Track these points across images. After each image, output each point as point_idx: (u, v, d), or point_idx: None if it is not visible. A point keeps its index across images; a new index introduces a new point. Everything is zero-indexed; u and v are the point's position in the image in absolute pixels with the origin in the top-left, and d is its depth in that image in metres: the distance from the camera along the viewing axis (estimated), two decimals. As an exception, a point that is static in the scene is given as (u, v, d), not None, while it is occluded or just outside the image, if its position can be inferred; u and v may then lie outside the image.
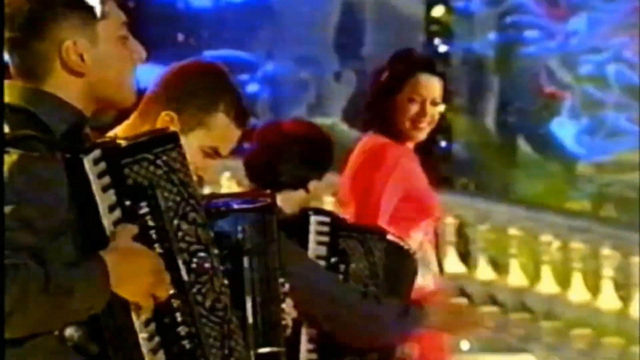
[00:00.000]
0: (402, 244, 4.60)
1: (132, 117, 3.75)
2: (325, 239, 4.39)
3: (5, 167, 3.03)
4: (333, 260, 4.39)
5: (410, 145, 5.12)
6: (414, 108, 5.03)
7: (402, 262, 4.68)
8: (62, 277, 3.04)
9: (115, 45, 3.26)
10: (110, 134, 3.47)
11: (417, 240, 5.07)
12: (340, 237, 4.41)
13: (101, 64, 3.24)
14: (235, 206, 3.41)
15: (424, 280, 5.05)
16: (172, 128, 3.47)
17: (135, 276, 3.11)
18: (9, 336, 3.05)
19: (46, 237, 3.05)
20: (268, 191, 3.57)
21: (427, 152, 5.25)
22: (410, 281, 4.73)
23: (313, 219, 4.39)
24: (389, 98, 5.09)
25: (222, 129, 3.74)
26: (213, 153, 3.65)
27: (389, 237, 4.56)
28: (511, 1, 17.87)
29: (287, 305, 3.64)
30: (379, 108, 5.12)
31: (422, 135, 5.09)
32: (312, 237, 4.36)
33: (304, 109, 17.68)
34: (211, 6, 17.79)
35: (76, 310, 3.09)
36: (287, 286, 3.61)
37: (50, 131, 3.13)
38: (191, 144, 3.58)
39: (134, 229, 3.10)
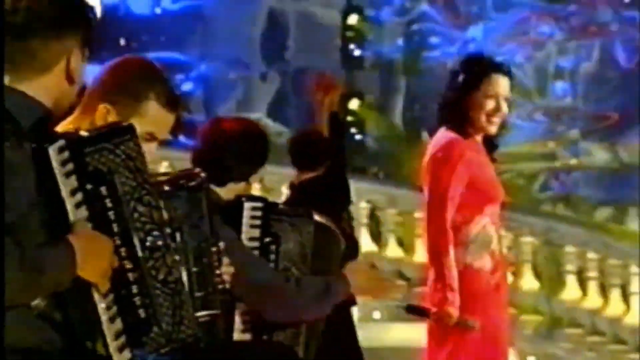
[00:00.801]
0: (328, 224, 4.61)
1: (76, 112, 3.67)
2: (258, 222, 4.39)
3: None
4: (266, 241, 4.40)
5: (478, 138, 5.15)
6: (491, 104, 5.10)
7: (328, 241, 4.69)
8: (36, 257, 3.00)
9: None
10: (57, 128, 3.37)
11: (480, 224, 5.14)
12: (272, 220, 4.42)
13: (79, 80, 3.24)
14: (167, 188, 3.36)
15: (482, 259, 5.13)
16: (110, 119, 3.51)
17: (95, 260, 3.08)
18: None
19: (14, 213, 3.00)
20: (197, 170, 3.57)
21: (493, 146, 5.26)
22: (335, 257, 4.74)
23: (247, 204, 4.38)
24: (467, 95, 5.12)
25: (155, 114, 3.65)
26: (151, 138, 3.51)
27: (316, 219, 4.56)
28: (417, 11, 17.98)
29: (225, 271, 3.61)
30: (456, 105, 5.14)
31: (494, 129, 5.15)
32: (245, 221, 4.37)
33: (233, 106, 17.71)
34: (150, 13, 17.73)
35: (47, 287, 3.06)
36: (223, 259, 3.59)
37: (19, 123, 3.08)
38: None
39: (88, 225, 3.09)
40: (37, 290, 3.06)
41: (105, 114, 3.57)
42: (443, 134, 5.18)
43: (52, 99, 3.21)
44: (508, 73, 5.28)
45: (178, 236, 3.32)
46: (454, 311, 5.05)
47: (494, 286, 5.15)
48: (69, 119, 3.64)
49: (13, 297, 3.04)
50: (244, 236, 4.32)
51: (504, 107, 5.14)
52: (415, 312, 5.38)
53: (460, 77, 5.20)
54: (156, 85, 3.70)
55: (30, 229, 3.04)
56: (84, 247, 3.06)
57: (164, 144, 3.89)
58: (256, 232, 4.38)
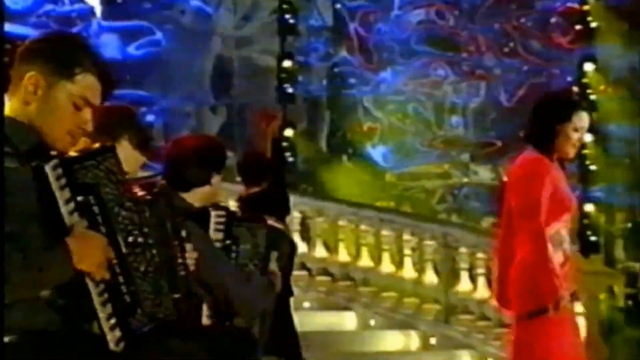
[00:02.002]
0: (280, 228, 4.66)
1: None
2: (222, 227, 4.41)
3: None
4: (227, 242, 4.43)
5: (555, 157, 5.20)
6: (577, 135, 5.15)
7: (279, 243, 4.74)
8: (37, 259, 3.01)
9: (67, 103, 3.16)
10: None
11: (555, 228, 5.14)
12: (233, 226, 4.46)
13: (47, 106, 3.13)
14: (140, 194, 3.32)
15: (557, 255, 5.10)
16: (109, 143, 3.38)
17: (90, 255, 3.07)
18: None
19: (18, 224, 2.99)
20: (160, 181, 3.56)
21: (563, 166, 5.29)
22: (286, 257, 4.79)
23: (213, 213, 4.40)
24: (558, 126, 5.14)
25: (127, 154, 3.65)
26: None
27: (270, 224, 4.61)
28: (338, 57, 17.98)
29: (188, 256, 3.53)
30: (547, 132, 5.16)
31: (573, 154, 5.23)
32: (212, 226, 4.40)
33: (188, 133, 17.51)
34: (119, 57, 17.56)
35: (48, 282, 3.07)
36: (188, 247, 3.52)
37: (17, 148, 3.06)
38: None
39: (84, 222, 3.07)
40: (40, 287, 3.07)
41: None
42: (530, 153, 5.21)
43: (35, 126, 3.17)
44: (587, 110, 5.34)
45: (151, 235, 3.30)
46: (565, 292, 5.06)
47: (564, 275, 5.14)
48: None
49: (21, 293, 3.01)
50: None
51: (584, 138, 5.33)
52: (537, 314, 5.11)
53: (552, 110, 5.22)
54: (130, 129, 3.71)
55: (31, 235, 3.03)
56: (79, 245, 3.05)
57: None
58: (220, 235, 4.42)
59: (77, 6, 17.73)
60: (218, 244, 4.42)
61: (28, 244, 3.00)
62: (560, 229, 5.20)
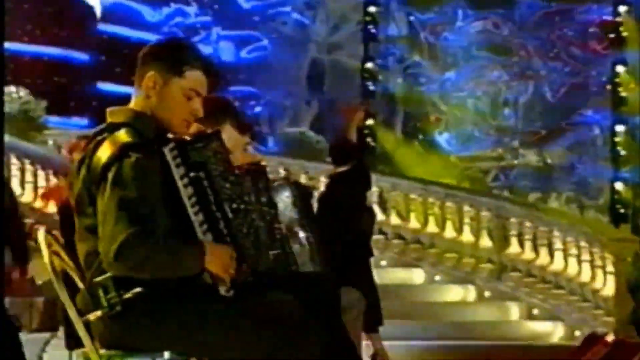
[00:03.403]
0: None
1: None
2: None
3: (129, 165, 2.94)
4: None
5: None
6: None
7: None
8: (179, 252, 2.97)
9: (180, 96, 3.12)
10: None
11: None
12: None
13: (164, 99, 3.11)
14: (238, 172, 3.22)
15: None
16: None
17: (219, 260, 3.03)
18: (136, 274, 2.97)
19: (155, 204, 2.96)
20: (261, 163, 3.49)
21: None
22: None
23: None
24: None
25: (230, 137, 3.59)
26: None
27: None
28: (411, 60, 17.88)
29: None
30: None
31: None
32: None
33: (287, 122, 17.60)
34: (233, 60, 17.67)
35: (180, 272, 3.02)
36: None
37: (145, 136, 3.04)
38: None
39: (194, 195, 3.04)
40: (173, 272, 3.00)
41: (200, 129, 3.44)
42: None
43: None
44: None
45: (251, 203, 3.24)
46: None
47: None
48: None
49: (158, 272, 2.98)
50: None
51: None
52: None
53: None
54: (232, 115, 3.69)
55: (158, 216, 2.96)
56: (213, 250, 3.00)
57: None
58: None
59: (200, 19, 17.83)
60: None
61: (157, 226, 2.94)
62: None
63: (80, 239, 3.04)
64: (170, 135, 3.12)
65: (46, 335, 4.97)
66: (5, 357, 4.75)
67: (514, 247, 11.48)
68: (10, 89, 12.51)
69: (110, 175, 2.93)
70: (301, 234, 3.73)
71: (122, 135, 3.00)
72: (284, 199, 3.79)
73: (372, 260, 7.38)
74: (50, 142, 12.44)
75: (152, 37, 14.46)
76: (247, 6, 17.91)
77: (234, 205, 3.12)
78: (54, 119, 14.09)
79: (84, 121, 15.03)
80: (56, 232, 3.49)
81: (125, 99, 3.23)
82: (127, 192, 2.90)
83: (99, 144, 3.01)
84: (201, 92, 3.19)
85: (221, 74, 16.74)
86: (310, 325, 3.07)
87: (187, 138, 3.10)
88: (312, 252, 3.63)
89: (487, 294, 11.17)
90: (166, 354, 3.03)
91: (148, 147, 2.99)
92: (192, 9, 17.73)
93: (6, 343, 4.77)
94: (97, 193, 2.96)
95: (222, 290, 3.05)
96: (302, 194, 3.84)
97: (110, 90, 15.06)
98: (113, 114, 3.13)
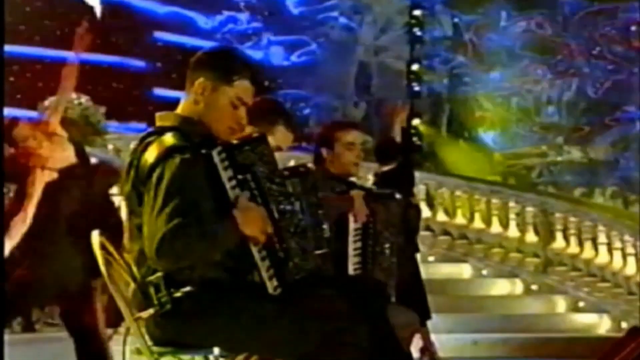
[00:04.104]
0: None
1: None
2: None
3: (173, 166, 2.96)
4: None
5: None
6: None
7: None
8: (212, 231, 2.98)
9: (227, 104, 3.12)
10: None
11: None
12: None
13: (212, 106, 3.11)
14: (286, 173, 3.28)
15: None
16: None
17: (252, 222, 3.01)
18: (181, 265, 2.99)
19: (197, 203, 2.97)
20: (307, 165, 3.49)
21: None
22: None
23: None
24: None
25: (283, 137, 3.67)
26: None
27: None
28: (456, 61, 17.78)
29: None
30: None
31: None
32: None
33: (336, 123, 17.58)
34: (284, 64, 17.70)
35: (220, 248, 3.04)
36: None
37: (191, 139, 3.04)
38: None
39: (247, 194, 3.03)
40: (214, 252, 3.03)
41: (252, 131, 3.45)
42: None
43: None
44: None
45: (297, 204, 3.24)
46: None
47: None
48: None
49: (198, 256, 3.00)
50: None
51: None
52: None
53: None
54: (284, 116, 3.70)
55: (204, 210, 2.98)
56: (244, 215, 3.00)
57: (291, 149, 3.81)
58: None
59: (251, 25, 17.89)
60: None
61: (202, 218, 2.96)
62: None
63: (131, 238, 3.07)
64: (219, 141, 3.13)
65: (109, 331, 5.01)
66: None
67: (559, 242, 11.36)
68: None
69: (155, 175, 2.97)
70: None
71: (168, 138, 3.02)
72: None
73: (419, 255, 7.33)
74: (110, 147, 12.57)
75: (205, 44, 14.53)
76: (297, 12, 17.93)
77: (281, 206, 3.11)
78: (113, 124, 14.21)
79: (142, 125, 15.15)
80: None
81: (179, 104, 3.24)
82: (169, 192, 2.92)
83: (146, 146, 3.03)
84: (247, 102, 3.19)
85: (271, 78, 16.85)
86: (356, 321, 3.04)
87: (234, 142, 3.10)
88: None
89: (534, 287, 11.07)
90: (215, 350, 3.03)
91: (193, 149, 3.01)
92: (244, 16, 17.79)
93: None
94: (144, 192, 2.98)
95: (270, 289, 3.05)
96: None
97: (165, 95, 15.17)
98: (162, 118, 3.16)
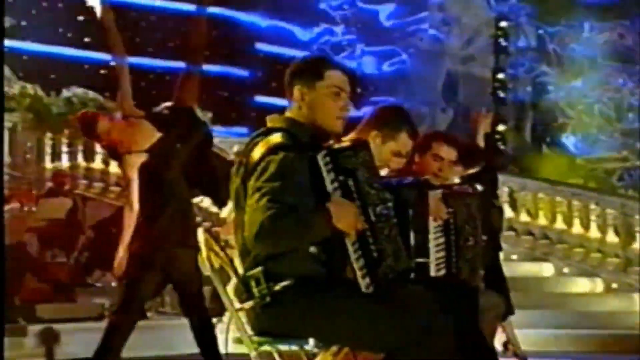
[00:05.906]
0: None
1: (354, 133, 3.63)
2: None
3: (277, 160, 2.98)
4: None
5: None
6: None
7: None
8: (306, 219, 2.97)
9: (326, 95, 3.12)
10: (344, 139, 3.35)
11: None
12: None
13: (315, 104, 3.13)
14: (394, 183, 3.30)
15: None
16: (377, 140, 3.52)
17: (345, 217, 2.98)
18: (277, 251, 2.98)
19: (295, 197, 2.97)
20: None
21: None
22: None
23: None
24: None
25: (405, 142, 3.67)
26: (399, 155, 3.51)
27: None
28: (539, 70, 17.53)
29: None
30: None
31: None
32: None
33: (424, 128, 17.48)
34: (376, 73, 17.69)
35: (314, 237, 3.01)
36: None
37: (299, 140, 3.06)
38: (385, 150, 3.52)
39: (346, 195, 3.03)
40: (308, 239, 3.00)
41: (374, 137, 3.56)
42: None
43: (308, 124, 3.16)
44: None
45: (393, 209, 3.18)
46: None
47: None
48: (351, 135, 3.60)
49: (294, 242, 2.99)
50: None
51: None
52: None
53: None
54: (407, 124, 3.70)
55: (305, 206, 2.98)
56: (338, 209, 2.99)
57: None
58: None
59: (346, 37, 17.93)
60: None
61: (299, 209, 2.98)
62: None
63: (237, 231, 3.09)
64: (324, 145, 3.13)
65: (213, 320, 5.06)
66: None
67: (639, 243, 11.06)
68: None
69: (259, 168, 2.99)
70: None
71: (276, 137, 3.05)
72: None
73: (502, 254, 7.21)
74: (216, 150, 12.72)
75: (303, 54, 14.62)
76: (388, 24, 17.90)
77: (377, 210, 3.08)
78: (218, 128, 14.42)
79: (244, 130, 15.32)
80: (216, 230, 3.55)
81: (279, 110, 3.27)
82: (269, 183, 2.94)
83: (255, 145, 3.06)
84: (344, 88, 3.19)
85: (364, 86, 16.84)
86: (444, 317, 3.00)
87: (338, 147, 3.10)
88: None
89: (614, 285, 10.80)
90: (311, 341, 3.02)
91: (298, 148, 3.01)
92: (339, 28, 17.85)
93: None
94: (249, 186, 3.01)
95: (363, 287, 3.03)
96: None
97: (266, 102, 15.31)
98: (272, 120, 3.19)
